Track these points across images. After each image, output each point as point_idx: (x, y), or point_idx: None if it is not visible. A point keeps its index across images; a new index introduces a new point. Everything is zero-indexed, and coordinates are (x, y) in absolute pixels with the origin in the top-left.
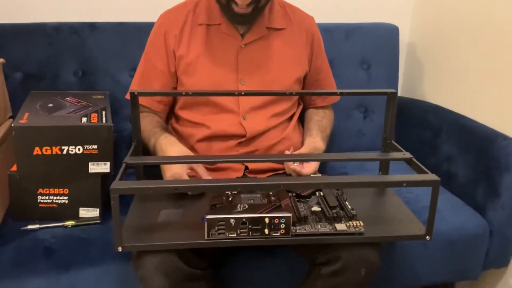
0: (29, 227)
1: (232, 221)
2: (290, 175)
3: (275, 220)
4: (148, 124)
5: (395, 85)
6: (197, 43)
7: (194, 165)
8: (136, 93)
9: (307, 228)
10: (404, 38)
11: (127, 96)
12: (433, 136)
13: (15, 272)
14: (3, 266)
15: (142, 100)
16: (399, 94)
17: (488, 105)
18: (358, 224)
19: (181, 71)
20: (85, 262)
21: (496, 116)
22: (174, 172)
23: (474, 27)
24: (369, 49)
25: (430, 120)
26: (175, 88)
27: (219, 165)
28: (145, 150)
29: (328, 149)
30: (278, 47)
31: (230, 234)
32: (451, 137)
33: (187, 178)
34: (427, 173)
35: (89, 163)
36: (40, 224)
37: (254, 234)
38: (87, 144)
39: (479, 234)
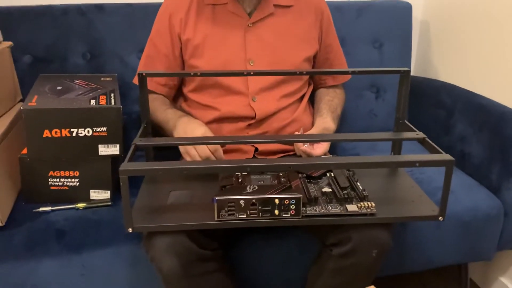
0: (41, 209)
1: (242, 202)
2: (300, 156)
3: (285, 201)
4: (160, 105)
5: (408, 64)
6: (203, 24)
7: (212, 150)
8: (144, 74)
9: (317, 209)
10: (417, 16)
11: (135, 81)
12: (446, 115)
13: (28, 254)
14: (16, 248)
15: (147, 84)
16: (412, 73)
17: (503, 83)
18: (370, 205)
19: (189, 55)
20: (97, 243)
21: None
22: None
23: (488, 4)
24: (381, 27)
25: (443, 99)
26: None
27: (228, 146)
28: (155, 131)
29: (339, 130)
30: (286, 25)
31: (240, 215)
32: (465, 116)
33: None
34: (440, 153)
35: (99, 146)
36: (51, 207)
37: (264, 215)
38: (96, 127)
39: (493, 215)
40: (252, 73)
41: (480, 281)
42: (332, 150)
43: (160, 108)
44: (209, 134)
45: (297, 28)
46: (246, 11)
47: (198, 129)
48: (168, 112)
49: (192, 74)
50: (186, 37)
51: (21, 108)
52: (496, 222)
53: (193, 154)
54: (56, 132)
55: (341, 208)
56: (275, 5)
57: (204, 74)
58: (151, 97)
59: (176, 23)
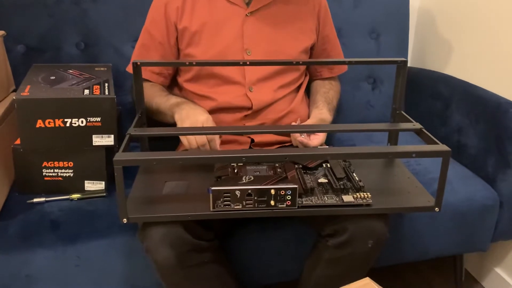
0: (35, 200)
1: (237, 192)
2: (296, 147)
3: (281, 192)
4: (160, 91)
5: (405, 54)
6: (201, 12)
7: (209, 138)
8: (139, 63)
9: (313, 200)
10: (414, 7)
11: (128, 69)
12: (443, 106)
13: (22, 245)
14: (10, 239)
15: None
16: (409, 64)
17: (500, 74)
18: (366, 195)
19: (186, 44)
20: (92, 234)
21: (509, 86)
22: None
23: None
24: (379, 18)
25: (440, 90)
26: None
27: (224, 138)
28: (150, 120)
29: (335, 122)
30: (284, 15)
31: (236, 205)
32: (462, 107)
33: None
34: (437, 143)
35: (93, 136)
36: (46, 197)
37: (260, 205)
38: (90, 117)
39: (489, 206)
40: (248, 63)
41: (475, 272)
42: (328, 142)
43: (160, 94)
44: (211, 122)
45: (295, 19)
46: (244, 1)
47: (201, 116)
48: (170, 97)
49: (187, 63)
50: (183, 25)
51: (14, 98)
52: (492, 213)
53: (190, 137)
54: (49, 122)
55: (337, 199)
56: None
57: (200, 64)
58: (147, 84)
59: (172, 12)
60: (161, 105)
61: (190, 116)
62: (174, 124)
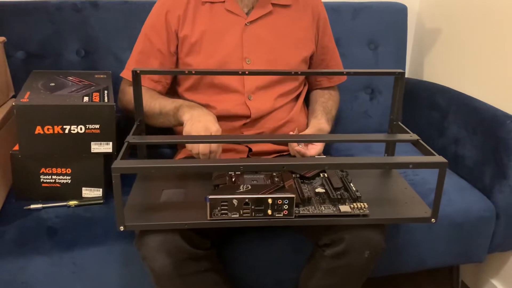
0: (32, 206)
1: (234, 201)
2: (294, 157)
3: (278, 201)
4: (157, 93)
5: (403, 66)
6: (201, 21)
7: (212, 149)
8: (138, 72)
9: (310, 210)
10: (412, 18)
11: (123, 75)
12: (440, 117)
13: (18, 251)
14: (7, 245)
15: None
16: (407, 75)
17: (497, 87)
18: (363, 206)
19: (186, 52)
20: (88, 241)
21: (506, 98)
22: (216, 130)
23: (483, 7)
24: (377, 29)
25: (437, 101)
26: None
27: (222, 146)
28: (148, 128)
29: (333, 132)
30: (284, 24)
31: (233, 214)
32: (459, 119)
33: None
34: (434, 155)
35: (92, 143)
36: (43, 204)
37: (257, 214)
38: (89, 124)
39: (485, 217)
40: (247, 72)
41: (472, 283)
42: (326, 151)
43: (162, 97)
44: (219, 133)
45: (295, 28)
46: (244, 10)
47: (213, 126)
48: (177, 99)
49: (186, 72)
50: (183, 34)
51: (13, 104)
52: (488, 225)
53: (194, 144)
54: (48, 129)
55: (334, 209)
56: (273, 4)
57: (199, 73)
58: (143, 88)
59: (173, 20)
60: (166, 106)
61: (202, 120)
62: (172, 128)
